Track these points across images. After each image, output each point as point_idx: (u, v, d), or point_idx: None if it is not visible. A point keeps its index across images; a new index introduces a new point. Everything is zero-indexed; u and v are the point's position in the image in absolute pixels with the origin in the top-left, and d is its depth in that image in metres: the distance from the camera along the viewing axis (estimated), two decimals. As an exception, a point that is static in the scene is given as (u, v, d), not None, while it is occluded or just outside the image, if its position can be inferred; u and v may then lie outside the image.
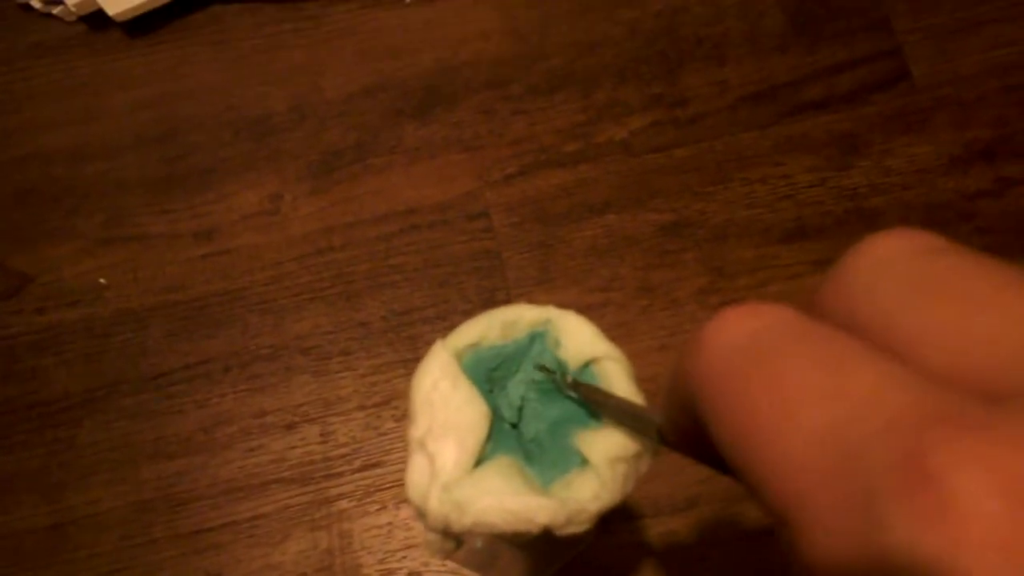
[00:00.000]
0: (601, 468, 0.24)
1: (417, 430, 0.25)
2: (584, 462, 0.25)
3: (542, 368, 0.26)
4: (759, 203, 0.50)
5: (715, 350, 0.15)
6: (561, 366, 0.26)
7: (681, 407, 0.16)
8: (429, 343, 0.47)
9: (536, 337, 0.27)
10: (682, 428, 0.18)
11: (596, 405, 0.25)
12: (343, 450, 0.46)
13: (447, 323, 0.48)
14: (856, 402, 0.12)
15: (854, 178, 0.50)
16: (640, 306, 0.48)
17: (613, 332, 0.47)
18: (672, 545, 0.44)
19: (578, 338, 0.26)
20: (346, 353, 0.48)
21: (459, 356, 0.26)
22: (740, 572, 0.43)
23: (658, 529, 0.44)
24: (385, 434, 0.46)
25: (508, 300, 0.48)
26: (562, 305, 0.47)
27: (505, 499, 0.23)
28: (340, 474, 0.46)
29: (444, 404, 0.25)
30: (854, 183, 0.50)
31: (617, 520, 0.44)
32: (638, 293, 0.48)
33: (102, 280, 0.49)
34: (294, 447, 0.46)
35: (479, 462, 0.25)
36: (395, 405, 0.47)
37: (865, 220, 0.49)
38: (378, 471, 0.46)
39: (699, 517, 0.44)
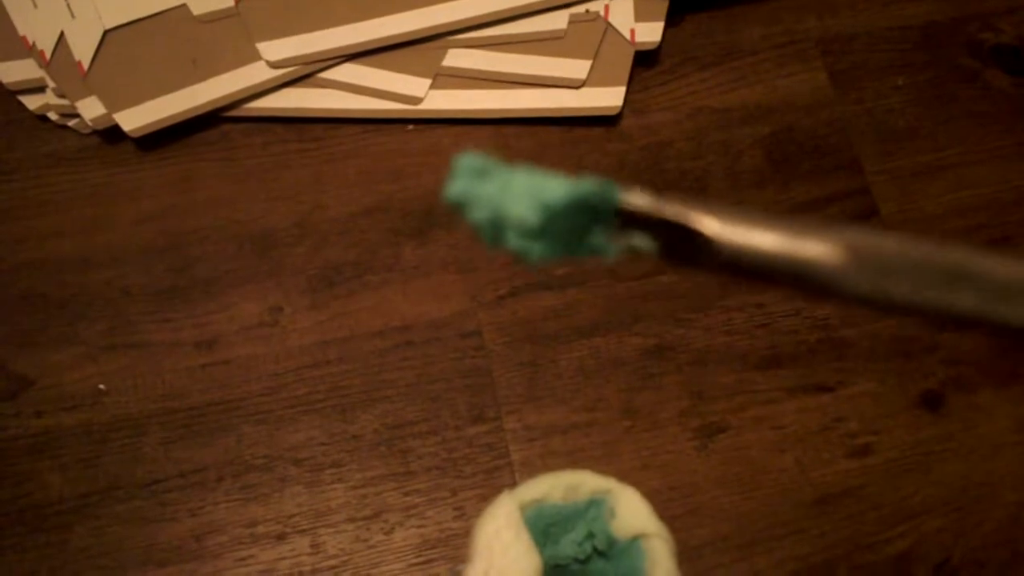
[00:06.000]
0: None
1: (475, 571, 0.27)
2: None
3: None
4: (737, 330, 0.52)
5: None
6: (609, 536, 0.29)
7: None
8: (421, 458, 0.49)
9: (594, 504, 0.29)
10: None
11: None
12: (332, 562, 0.47)
13: (439, 438, 0.49)
14: None
15: (826, 309, 0.53)
16: (624, 427, 0.50)
17: (597, 452, 0.49)
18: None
19: (632, 512, 0.29)
20: (338, 465, 0.49)
21: (523, 508, 0.29)
22: None
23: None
24: (374, 547, 0.47)
25: (498, 417, 0.50)
26: (550, 425, 0.49)
27: None
28: (328, 585, 0.47)
29: (503, 551, 0.27)
30: (826, 314, 0.53)
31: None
32: (622, 414, 0.50)
33: (102, 386, 0.50)
34: (284, 558, 0.47)
35: None
36: (385, 518, 0.48)
37: (836, 350, 0.52)
38: (366, 583, 0.47)
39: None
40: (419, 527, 0.48)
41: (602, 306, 0.52)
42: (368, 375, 0.51)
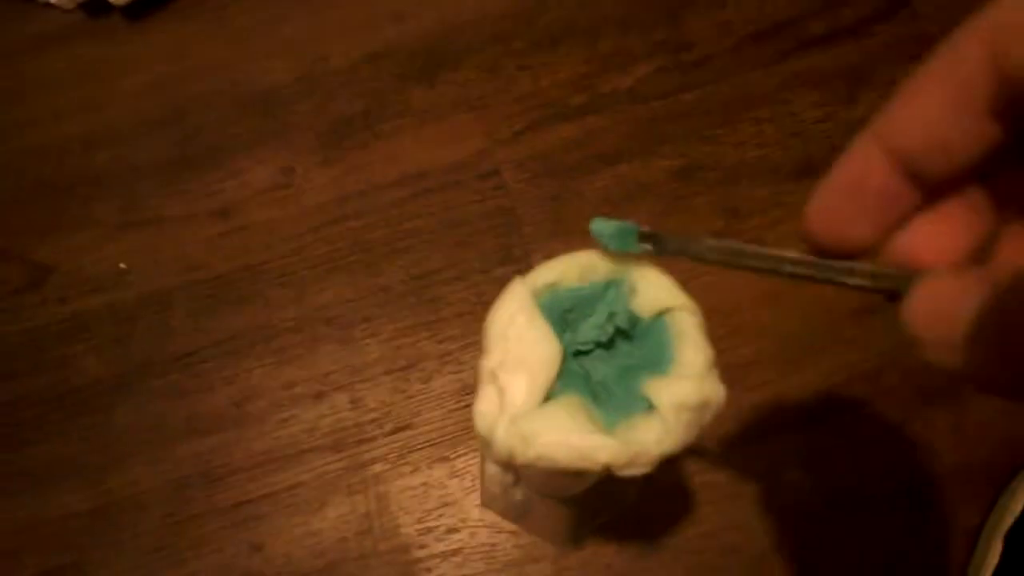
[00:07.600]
0: (666, 413, 0.25)
1: (490, 361, 0.25)
2: (650, 407, 0.25)
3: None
4: (768, 142, 0.50)
5: None
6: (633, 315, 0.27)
7: None
8: (451, 304, 0.48)
9: (612, 284, 0.27)
10: None
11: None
12: (373, 415, 0.47)
13: (467, 283, 0.48)
14: None
15: (861, 111, 0.50)
16: (657, 253, 0.48)
17: (632, 280, 0.48)
18: (713, 492, 0.45)
19: (655, 287, 0.27)
20: (369, 320, 0.48)
21: (537, 294, 0.27)
22: (770, 511, 0.44)
23: (701, 478, 0.45)
24: (413, 396, 0.47)
25: (526, 256, 0.48)
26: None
27: (570, 435, 0.24)
28: (372, 439, 0.47)
29: (519, 339, 0.25)
30: (861, 115, 0.50)
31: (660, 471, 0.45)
32: (654, 240, 0.48)
33: (122, 265, 0.49)
34: (325, 415, 0.47)
35: (547, 398, 0.25)
36: (421, 367, 0.47)
37: (875, 151, 0.49)
38: (409, 433, 0.46)
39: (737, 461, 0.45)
40: (456, 372, 0.47)
41: (624, 131, 0.50)
42: (389, 227, 0.49)
